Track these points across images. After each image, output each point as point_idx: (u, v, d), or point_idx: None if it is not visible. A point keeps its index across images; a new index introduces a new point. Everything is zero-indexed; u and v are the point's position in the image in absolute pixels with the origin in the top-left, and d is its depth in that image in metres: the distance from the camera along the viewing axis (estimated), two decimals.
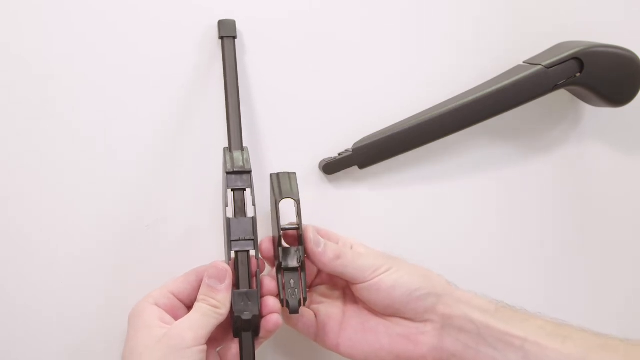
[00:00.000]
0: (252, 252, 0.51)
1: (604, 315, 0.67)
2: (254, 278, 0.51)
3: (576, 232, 0.67)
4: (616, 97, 0.60)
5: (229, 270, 0.50)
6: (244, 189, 0.52)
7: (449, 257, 0.62)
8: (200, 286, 0.51)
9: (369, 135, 0.59)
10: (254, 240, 0.51)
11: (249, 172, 0.52)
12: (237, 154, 0.53)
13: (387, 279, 0.53)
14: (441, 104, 0.60)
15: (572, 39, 0.62)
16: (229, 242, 0.51)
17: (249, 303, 0.50)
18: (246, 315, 0.49)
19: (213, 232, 0.58)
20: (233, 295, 0.50)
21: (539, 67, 0.58)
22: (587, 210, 0.67)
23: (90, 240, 0.57)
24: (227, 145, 0.54)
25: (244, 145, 0.54)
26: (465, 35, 0.62)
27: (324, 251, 0.52)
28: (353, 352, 0.54)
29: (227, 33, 0.56)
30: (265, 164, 0.59)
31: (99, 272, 0.57)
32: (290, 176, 0.54)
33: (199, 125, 0.58)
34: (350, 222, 0.61)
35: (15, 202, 0.55)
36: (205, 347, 0.48)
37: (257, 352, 0.51)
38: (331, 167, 0.59)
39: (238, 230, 0.51)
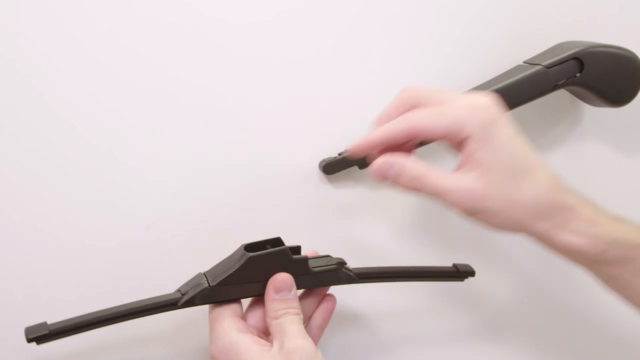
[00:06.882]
0: None
1: (602, 314, 0.67)
2: None
3: None
4: (616, 97, 0.61)
5: (292, 278, 0.51)
6: None
7: (449, 256, 0.62)
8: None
9: None
10: None
11: None
12: None
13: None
14: None
15: (572, 38, 0.62)
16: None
17: None
18: None
19: (213, 232, 0.58)
20: None
21: (539, 67, 0.58)
22: None
23: (90, 240, 0.57)
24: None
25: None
26: (465, 35, 0.62)
27: None
28: None
29: None
30: (265, 164, 0.59)
31: (99, 273, 0.57)
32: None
33: (199, 125, 0.58)
34: (350, 222, 0.61)
35: (14, 203, 0.55)
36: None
37: None
38: (331, 167, 0.59)
39: None
